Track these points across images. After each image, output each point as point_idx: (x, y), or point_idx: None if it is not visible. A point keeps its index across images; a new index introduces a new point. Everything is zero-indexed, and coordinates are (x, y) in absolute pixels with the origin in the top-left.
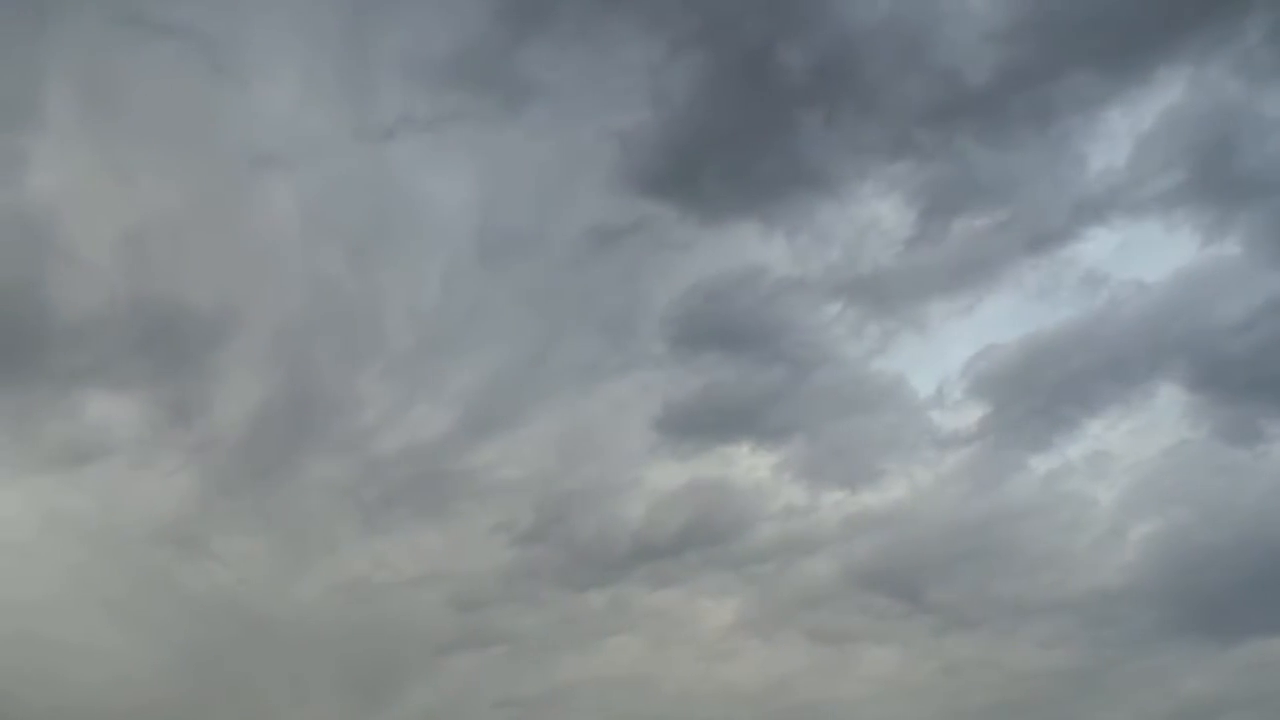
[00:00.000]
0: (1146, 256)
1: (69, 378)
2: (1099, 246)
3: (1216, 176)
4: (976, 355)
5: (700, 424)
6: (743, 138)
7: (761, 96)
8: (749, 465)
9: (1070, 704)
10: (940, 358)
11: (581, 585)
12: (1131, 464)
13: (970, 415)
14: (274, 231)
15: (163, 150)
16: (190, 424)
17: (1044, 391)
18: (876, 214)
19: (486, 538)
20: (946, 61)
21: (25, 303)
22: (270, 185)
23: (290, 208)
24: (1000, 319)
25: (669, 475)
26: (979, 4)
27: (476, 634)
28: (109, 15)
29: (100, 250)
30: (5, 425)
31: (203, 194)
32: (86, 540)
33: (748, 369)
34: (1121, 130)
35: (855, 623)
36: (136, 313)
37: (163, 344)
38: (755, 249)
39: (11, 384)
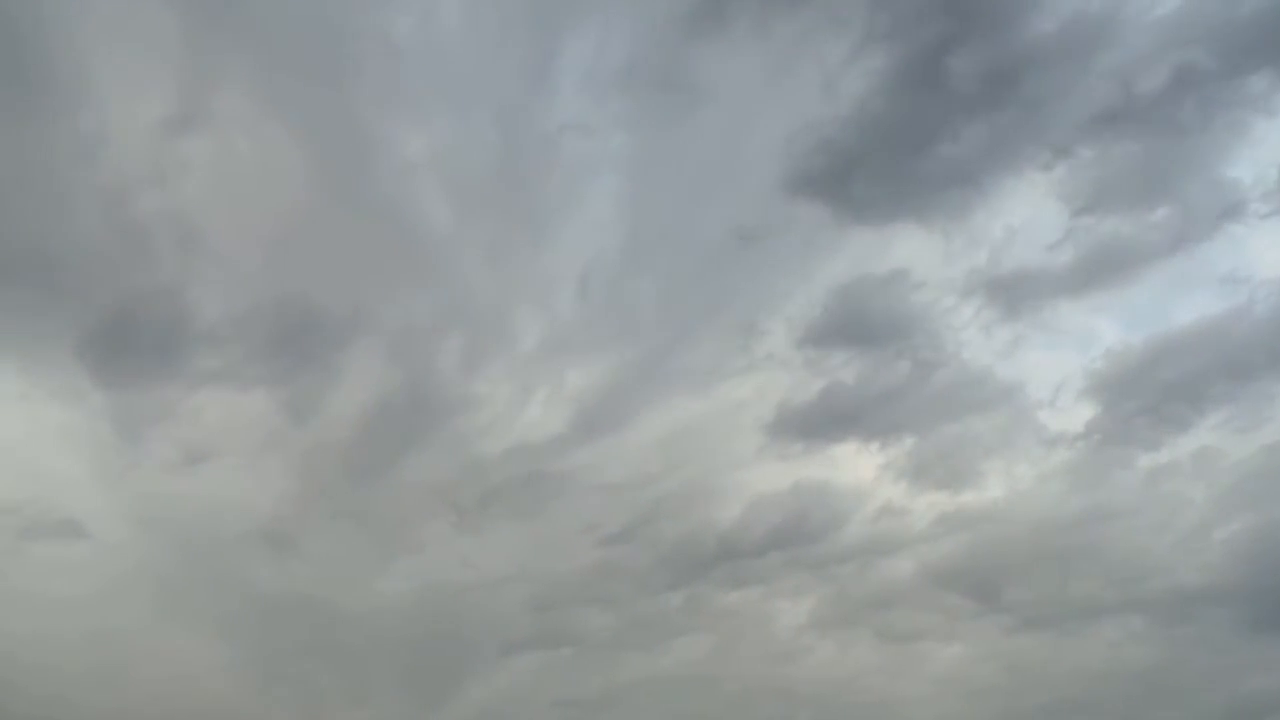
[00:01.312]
0: None
1: (199, 379)
2: (1243, 247)
3: None
4: (1097, 355)
5: (811, 426)
6: (905, 140)
7: (928, 100)
8: (853, 466)
9: (1127, 703)
10: (1065, 358)
11: (659, 586)
12: (1234, 463)
13: (1080, 416)
14: (414, 234)
15: (314, 155)
16: (303, 424)
17: (1157, 391)
18: (1028, 216)
19: (574, 539)
20: (1119, 67)
21: (170, 306)
22: (418, 187)
23: (436, 209)
24: (1135, 318)
25: (770, 477)
26: (1158, 10)
27: (546, 634)
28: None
29: (246, 253)
30: (126, 425)
31: (348, 198)
32: (176, 541)
33: (871, 369)
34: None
35: (926, 622)
36: (273, 314)
37: (293, 345)
38: (904, 250)
39: (144, 385)
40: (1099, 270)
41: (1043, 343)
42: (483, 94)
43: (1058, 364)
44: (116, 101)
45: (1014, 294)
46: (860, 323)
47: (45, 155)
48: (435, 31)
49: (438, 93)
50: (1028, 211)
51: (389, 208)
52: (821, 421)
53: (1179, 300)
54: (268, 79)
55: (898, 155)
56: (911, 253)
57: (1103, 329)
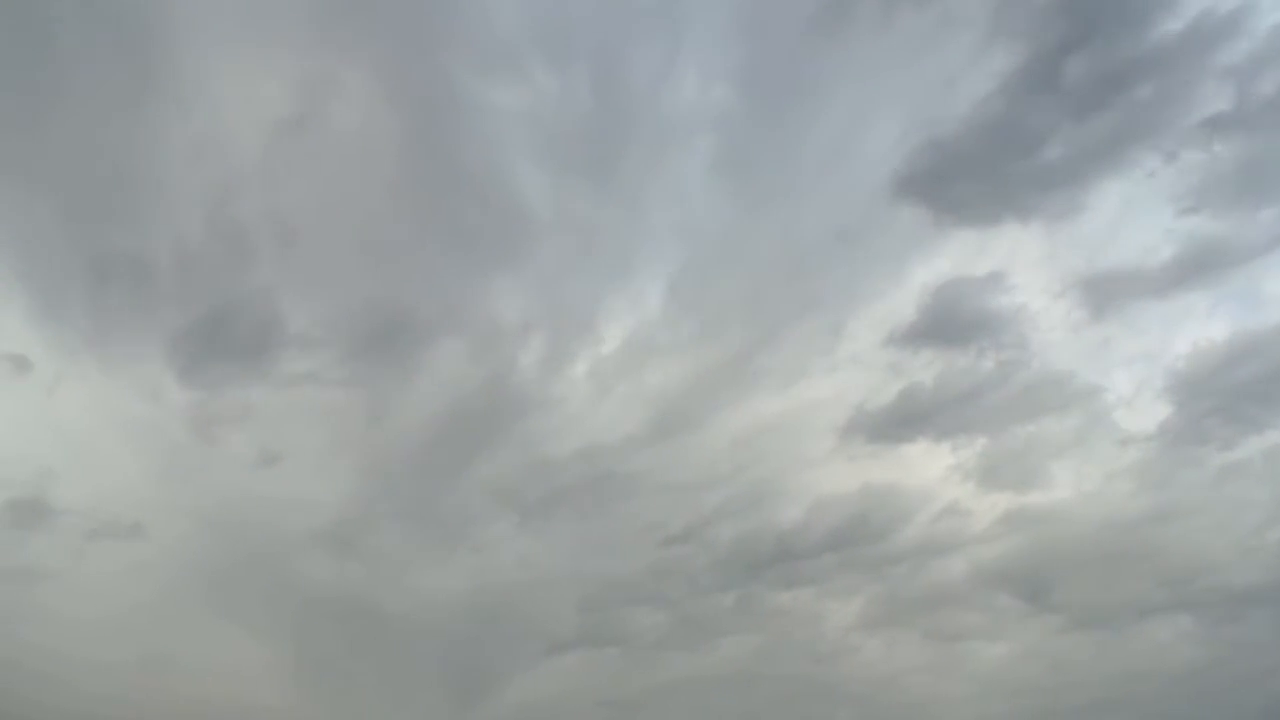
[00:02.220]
0: None
1: (284, 381)
2: None
3: None
4: (1178, 355)
5: (884, 427)
6: (1015, 141)
7: (1043, 101)
8: (922, 466)
9: (1168, 702)
10: (1149, 358)
11: (712, 586)
12: None
13: (1155, 416)
14: (504, 235)
15: (406, 160)
16: (378, 426)
17: (1232, 391)
18: (1132, 217)
19: (634, 539)
20: (1234, 68)
21: (263, 308)
22: (517, 184)
23: (534, 210)
24: (1222, 319)
25: (838, 478)
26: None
27: (594, 633)
28: None
29: (339, 251)
30: (203, 426)
31: (442, 178)
32: (236, 543)
33: (953, 370)
34: None
35: (974, 622)
36: (362, 316)
37: (378, 347)
38: (1003, 251)
39: (228, 385)
40: (1194, 270)
41: (1129, 342)
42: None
43: (1142, 364)
44: (227, 99)
45: (1106, 295)
46: (949, 324)
47: (155, 156)
48: None
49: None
50: (1132, 212)
51: (484, 186)
52: (895, 422)
53: (1268, 302)
54: (371, 61)
55: (1007, 156)
56: (1010, 254)
57: (1189, 329)
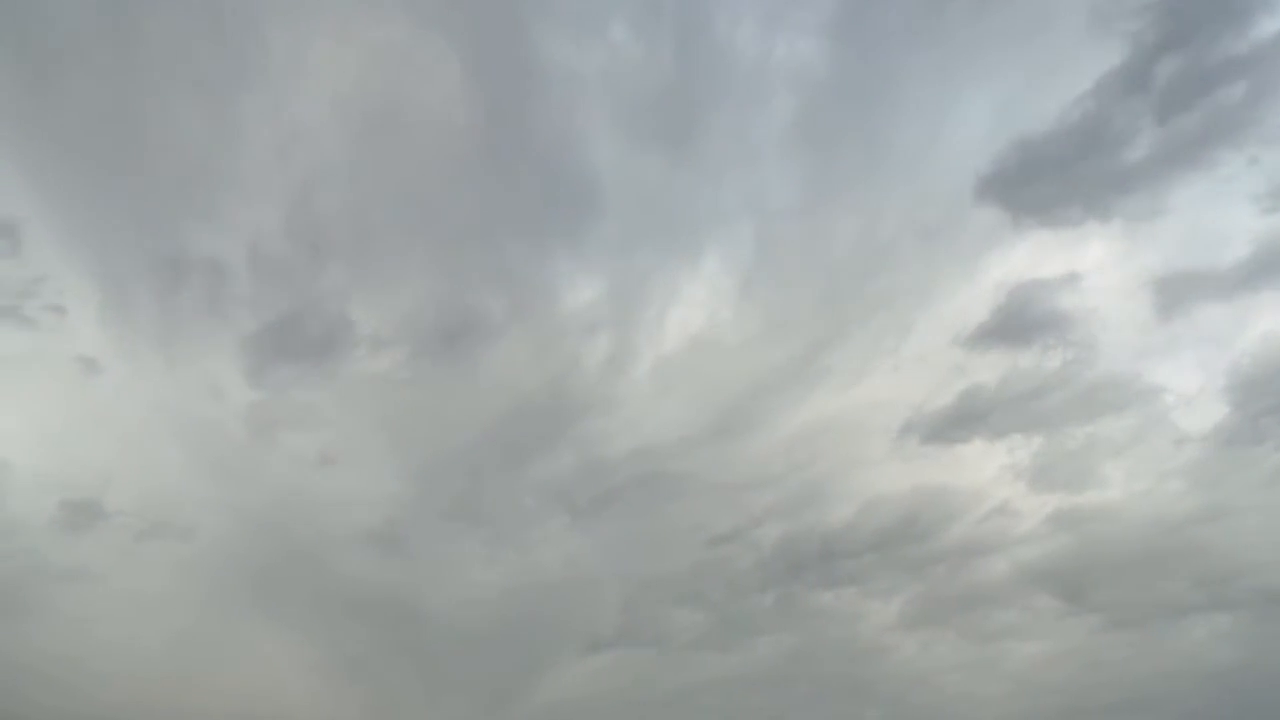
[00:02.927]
0: None
1: (350, 381)
2: None
3: None
4: (1243, 354)
5: (942, 427)
6: (1101, 141)
7: (1133, 102)
8: (976, 466)
9: (1197, 700)
10: (1214, 358)
11: (753, 586)
12: None
13: (1213, 416)
14: (572, 222)
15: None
16: (438, 426)
17: None
18: (1214, 218)
19: (681, 539)
20: None
21: (331, 315)
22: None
23: (604, 189)
24: None
25: (892, 478)
26: None
27: (632, 633)
28: None
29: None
30: (264, 426)
31: (508, 182)
32: (285, 543)
33: (1017, 370)
34: None
35: (1010, 621)
36: (433, 315)
37: (443, 347)
38: (1080, 252)
39: (295, 386)
40: (1267, 270)
41: (1196, 342)
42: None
43: (1206, 364)
44: (302, 78)
45: (1177, 295)
46: (1019, 324)
47: (239, 152)
48: None
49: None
50: (1211, 213)
51: (555, 165)
52: (953, 422)
53: None
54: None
55: (1091, 157)
56: (1086, 254)
57: (1257, 329)
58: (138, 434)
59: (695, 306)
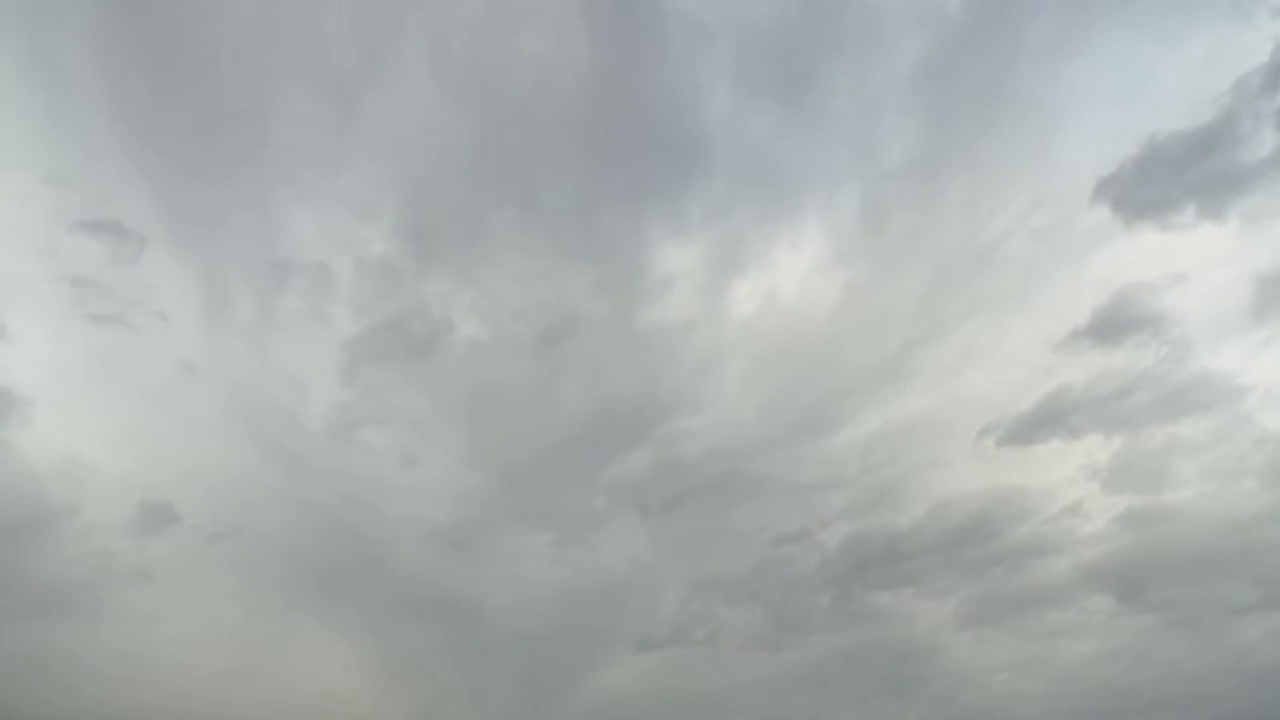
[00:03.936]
0: None
1: (453, 381)
2: None
3: None
4: None
5: (1024, 428)
6: (1220, 141)
7: (1259, 103)
8: (1053, 466)
9: (1243, 698)
10: None
11: (812, 586)
12: None
13: None
14: (679, 197)
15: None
16: (524, 426)
17: None
18: None
19: (747, 539)
20: None
21: (431, 318)
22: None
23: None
24: None
25: (967, 478)
26: None
27: (684, 632)
28: None
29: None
30: (348, 427)
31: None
32: (356, 544)
33: (1109, 370)
34: None
35: (1063, 621)
36: (537, 318)
37: (538, 349)
38: (1188, 252)
39: (390, 390)
40: None
41: None
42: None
43: None
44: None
45: (1275, 295)
46: (1116, 324)
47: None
48: None
49: None
50: None
51: (665, 126)
52: (1035, 423)
53: None
54: None
55: (1212, 158)
56: (1195, 255)
57: None
58: (222, 435)
59: (790, 274)
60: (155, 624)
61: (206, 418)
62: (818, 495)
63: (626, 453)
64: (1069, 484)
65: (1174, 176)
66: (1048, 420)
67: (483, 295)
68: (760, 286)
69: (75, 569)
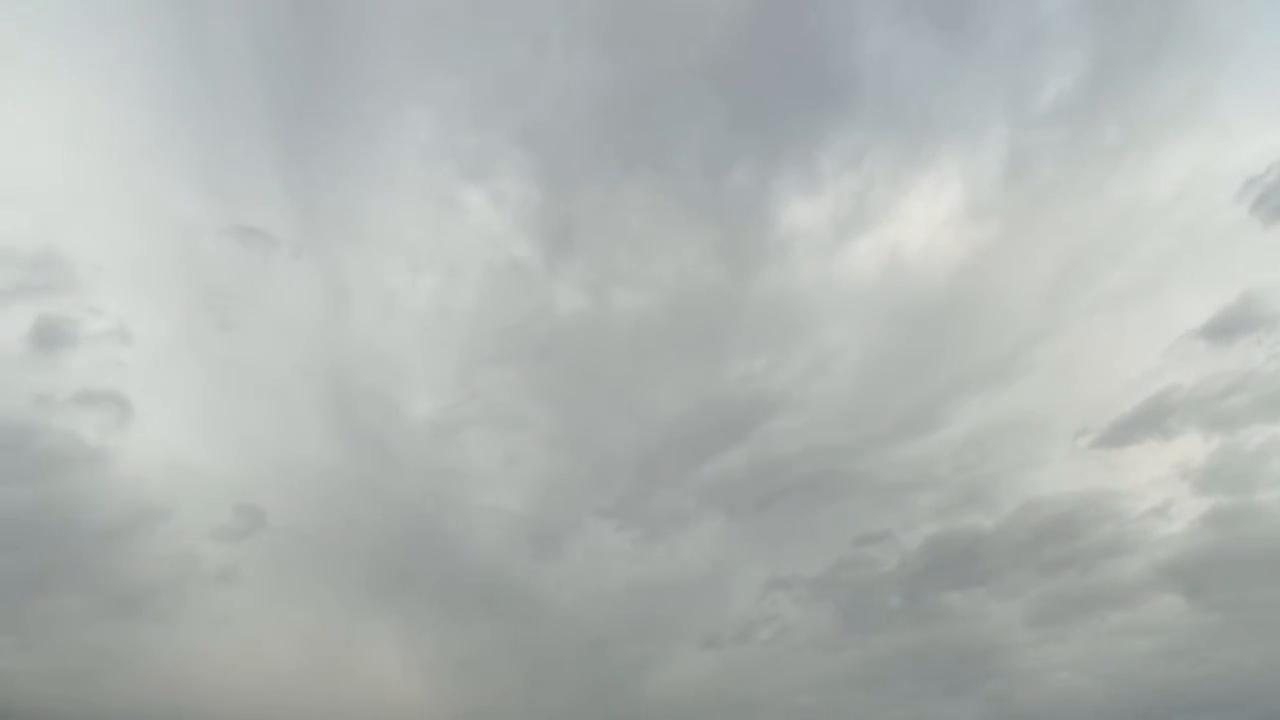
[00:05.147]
0: None
1: (563, 381)
2: None
3: None
4: None
5: (1125, 429)
6: None
7: None
8: (1147, 468)
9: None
10: None
11: (885, 585)
12: None
13: None
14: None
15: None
16: (625, 426)
17: None
18: None
19: (830, 538)
20: None
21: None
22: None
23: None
24: None
25: (1058, 479)
26: None
27: (750, 630)
28: None
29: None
30: (448, 430)
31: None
32: (437, 544)
33: (1220, 370)
34: None
35: (1128, 620)
36: (645, 318)
37: (651, 345)
38: None
39: (499, 390)
40: None
41: None
42: None
43: None
44: None
45: None
46: (1234, 323)
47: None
48: None
49: None
50: None
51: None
52: (1135, 423)
53: None
54: None
55: None
56: None
57: None
58: (326, 437)
59: (917, 230)
60: (228, 625)
61: (313, 419)
62: (908, 495)
63: (725, 451)
64: (1158, 484)
65: None
66: (1145, 421)
67: (597, 290)
68: (885, 241)
69: (160, 570)
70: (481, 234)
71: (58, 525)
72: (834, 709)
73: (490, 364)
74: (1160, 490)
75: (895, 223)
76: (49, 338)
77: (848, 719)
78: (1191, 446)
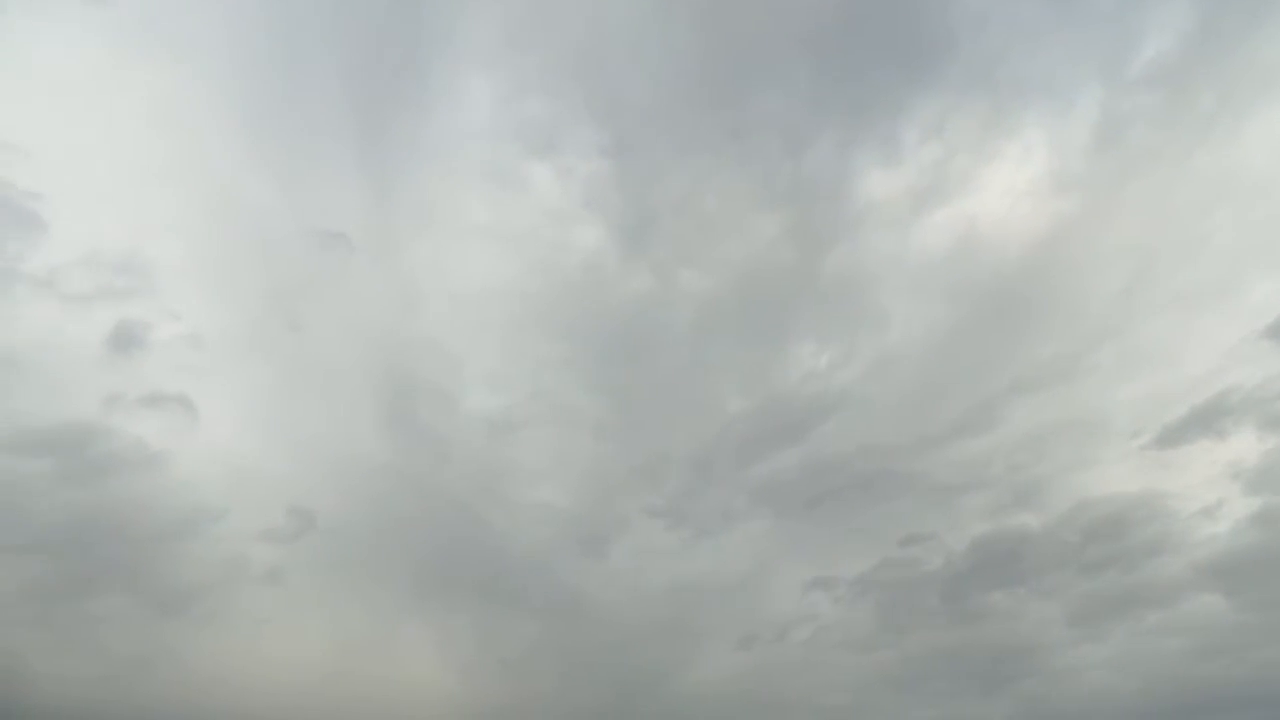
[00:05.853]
0: None
1: (620, 382)
2: None
3: None
4: None
5: (1181, 429)
6: None
7: None
8: (1198, 467)
9: None
10: None
11: (926, 586)
12: None
13: None
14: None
15: None
16: (676, 428)
17: None
18: None
19: (876, 539)
20: None
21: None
22: None
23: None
24: None
25: (1109, 480)
26: None
27: (787, 631)
28: None
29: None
30: (501, 433)
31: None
32: (482, 547)
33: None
34: None
35: (1166, 619)
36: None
37: (687, 334)
38: None
39: (544, 396)
40: None
41: None
42: None
43: None
44: None
45: None
46: None
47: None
48: None
49: None
50: None
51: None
52: (1192, 423)
53: None
54: None
55: None
56: None
57: None
58: (380, 437)
59: (997, 200)
60: (269, 625)
61: (370, 417)
62: (958, 496)
63: (778, 450)
64: (1209, 484)
65: None
66: (1201, 421)
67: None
68: (961, 214)
69: (207, 571)
70: (547, 213)
71: (111, 528)
72: (865, 709)
73: (550, 355)
74: (1212, 490)
75: (974, 194)
76: (125, 341)
77: (878, 718)
78: (1245, 446)
